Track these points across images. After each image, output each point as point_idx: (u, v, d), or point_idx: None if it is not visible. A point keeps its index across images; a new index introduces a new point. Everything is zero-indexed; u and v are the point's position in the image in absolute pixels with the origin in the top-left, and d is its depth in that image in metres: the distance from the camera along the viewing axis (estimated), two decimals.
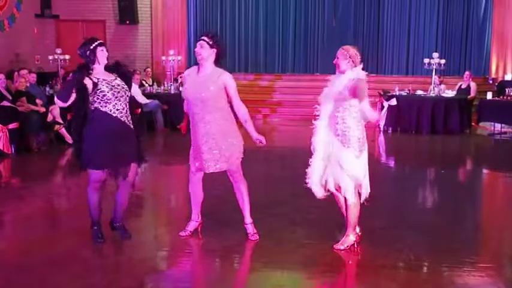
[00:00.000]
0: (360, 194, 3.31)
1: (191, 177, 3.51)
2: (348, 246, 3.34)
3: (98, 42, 3.35)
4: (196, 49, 3.33)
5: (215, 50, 3.32)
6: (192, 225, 3.61)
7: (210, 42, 3.30)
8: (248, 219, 3.55)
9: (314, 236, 3.63)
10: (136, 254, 3.32)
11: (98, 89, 3.25)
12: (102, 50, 3.33)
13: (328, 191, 3.32)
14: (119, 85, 3.34)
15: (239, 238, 3.52)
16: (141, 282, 2.99)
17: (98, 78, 3.28)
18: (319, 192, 3.33)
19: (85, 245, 3.45)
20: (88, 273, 3.08)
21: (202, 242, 3.55)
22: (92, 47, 3.31)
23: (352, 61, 3.22)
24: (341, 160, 3.20)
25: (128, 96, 3.37)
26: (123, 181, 3.39)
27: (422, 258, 3.31)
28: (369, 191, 3.33)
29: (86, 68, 3.29)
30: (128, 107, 3.37)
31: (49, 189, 5.08)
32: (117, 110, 3.28)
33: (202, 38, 3.33)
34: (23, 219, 4.10)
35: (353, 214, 3.30)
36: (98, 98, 3.25)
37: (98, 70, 3.34)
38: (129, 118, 3.38)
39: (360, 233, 3.37)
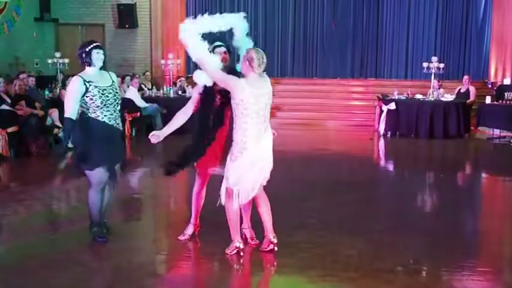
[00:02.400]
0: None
1: (200, 181, 3.50)
2: (231, 251, 3.27)
3: (94, 44, 3.38)
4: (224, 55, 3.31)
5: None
6: (190, 229, 3.61)
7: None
8: (247, 223, 3.55)
9: (313, 240, 3.63)
10: (135, 258, 3.31)
11: (87, 95, 3.29)
12: (98, 53, 3.35)
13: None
14: (110, 92, 3.36)
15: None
16: (140, 286, 2.98)
17: (90, 83, 3.31)
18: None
19: (84, 249, 3.44)
20: (87, 276, 3.07)
21: (201, 245, 3.55)
22: (87, 49, 3.34)
23: (250, 65, 3.15)
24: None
25: (118, 101, 3.40)
26: (109, 180, 3.48)
27: (421, 262, 3.31)
28: (245, 198, 3.20)
29: None
30: (117, 111, 3.41)
31: (48, 193, 5.07)
32: (105, 116, 3.33)
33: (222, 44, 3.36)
34: (22, 223, 4.10)
35: (228, 218, 3.25)
36: (86, 104, 3.30)
37: (92, 73, 3.37)
38: (118, 120, 3.43)
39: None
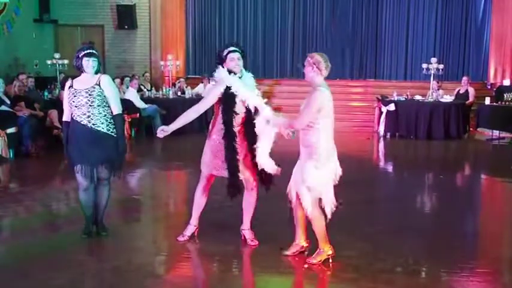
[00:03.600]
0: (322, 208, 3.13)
1: (203, 182, 3.49)
2: (320, 260, 3.18)
3: (86, 52, 3.45)
4: (235, 61, 3.32)
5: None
6: (190, 230, 3.60)
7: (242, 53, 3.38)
8: (246, 225, 3.55)
9: (313, 242, 3.62)
10: (135, 259, 3.31)
11: (69, 96, 3.46)
12: (88, 61, 3.43)
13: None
14: (82, 94, 3.40)
15: (238, 243, 3.52)
16: (139, 286, 2.97)
17: (71, 87, 3.46)
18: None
19: (83, 249, 3.44)
20: (87, 277, 3.07)
21: (201, 246, 3.55)
22: (79, 55, 3.45)
23: (317, 68, 3.08)
24: (303, 170, 3.11)
25: (96, 104, 3.41)
26: (98, 183, 3.53)
27: (421, 262, 3.31)
28: (332, 206, 3.13)
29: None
30: (96, 113, 3.41)
31: (47, 194, 5.07)
32: (78, 115, 3.43)
33: (236, 49, 3.35)
34: (21, 223, 4.09)
35: (316, 227, 3.16)
36: (70, 105, 3.46)
37: (82, 78, 3.48)
38: (96, 121, 3.42)
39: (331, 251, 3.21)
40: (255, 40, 12.45)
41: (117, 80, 9.50)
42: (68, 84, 3.51)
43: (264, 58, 12.41)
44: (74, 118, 3.45)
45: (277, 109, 3.41)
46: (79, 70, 3.49)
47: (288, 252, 3.32)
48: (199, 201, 3.54)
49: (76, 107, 3.42)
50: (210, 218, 3.75)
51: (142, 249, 3.55)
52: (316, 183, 3.07)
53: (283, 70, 12.51)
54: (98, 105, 3.43)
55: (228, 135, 3.28)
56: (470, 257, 3.50)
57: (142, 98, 9.17)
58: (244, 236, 3.54)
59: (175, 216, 4.53)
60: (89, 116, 3.42)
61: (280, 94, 11.44)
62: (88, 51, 3.45)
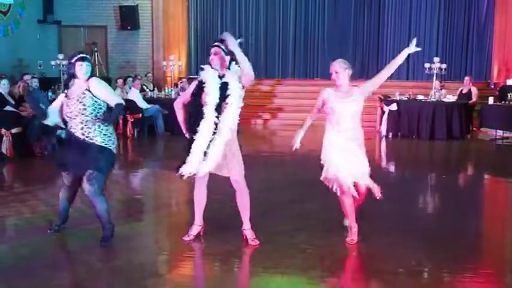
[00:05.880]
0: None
1: (197, 181, 3.51)
2: (354, 237, 3.56)
3: (79, 56, 3.40)
4: (211, 55, 3.37)
5: (229, 57, 3.40)
6: (195, 230, 3.62)
7: (226, 49, 3.37)
8: (247, 225, 3.56)
9: (314, 241, 3.63)
10: (137, 258, 3.33)
11: (63, 106, 3.41)
12: (81, 65, 3.36)
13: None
14: (75, 103, 3.34)
15: (239, 243, 3.53)
16: (141, 286, 2.99)
17: (66, 95, 3.40)
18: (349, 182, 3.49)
19: (86, 249, 3.46)
20: (89, 276, 3.09)
21: (203, 246, 3.56)
22: (72, 60, 3.39)
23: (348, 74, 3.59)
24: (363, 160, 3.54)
25: (82, 111, 3.32)
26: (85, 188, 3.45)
27: (423, 263, 3.31)
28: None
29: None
30: (89, 123, 3.33)
31: (51, 194, 5.09)
32: (73, 127, 3.37)
33: (217, 44, 3.39)
34: (25, 223, 4.12)
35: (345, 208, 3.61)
36: (65, 115, 3.41)
37: (75, 84, 3.40)
38: (90, 133, 3.34)
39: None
40: (256, 40, 12.45)
41: (120, 81, 9.55)
42: (64, 93, 3.46)
43: (266, 58, 12.40)
44: (69, 129, 3.41)
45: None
46: (72, 77, 3.41)
47: (353, 238, 3.55)
48: (199, 199, 3.55)
49: (71, 118, 3.36)
50: (211, 218, 3.76)
51: (144, 248, 3.56)
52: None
53: (284, 70, 12.51)
54: (91, 113, 3.34)
55: (193, 127, 3.32)
56: (473, 257, 3.49)
57: (145, 99, 9.20)
58: (246, 236, 3.55)
59: (177, 215, 4.54)
60: (82, 128, 3.34)
61: (282, 94, 11.45)
62: (81, 55, 3.41)
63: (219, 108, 3.30)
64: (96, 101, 3.37)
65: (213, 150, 3.29)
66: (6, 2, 10.02)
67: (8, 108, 6.73)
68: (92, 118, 3.34)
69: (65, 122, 3.47)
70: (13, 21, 10.27)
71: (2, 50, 9.92)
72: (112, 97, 3.45)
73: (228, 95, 3.30)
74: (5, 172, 6.20)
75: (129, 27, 11.47)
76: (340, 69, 3.57)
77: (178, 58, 11.54)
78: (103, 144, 3.37)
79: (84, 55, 3.44)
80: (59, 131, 5.53)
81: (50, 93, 8.73)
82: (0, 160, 6.39)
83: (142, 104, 8.89)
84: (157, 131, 8.87)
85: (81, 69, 3.37)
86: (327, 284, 3.08)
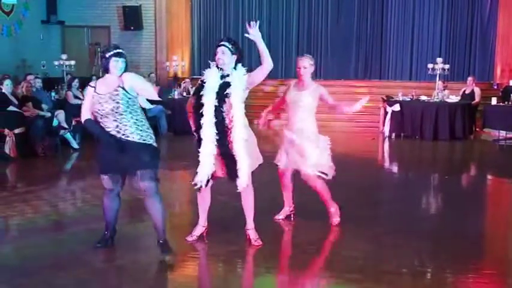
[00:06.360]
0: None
1: None
2: (337, 217, 3.90)
3: (114, 52, 3.19)
4: (218, 55, 3.33)
5: (235, 57, 3.38)
6: (198, 230, 3.62)
7: (232, 49, 3.35)
8: (250, 225, 3.56)
9: (317, 242, 3.63)
10: (140, 259, 3.33)
11: (94, 103, 3.17)
12: (117, 61, 3.17)
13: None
14: (108, 101, 3.10)
15: (243, 243, 3.53)
16: (145, 286, 3.00)
17: (95, 91, 3.17)
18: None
19: (89, 249, 3.46)
20: (92, 277, 3.09)
21: (206, 246, 3.56)
22: (107, 56, 3.19)
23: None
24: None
25: (115, 109, 3.11)
26: (144, 195, 3.31)
27: (426, 264, 3.30)
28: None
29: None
30: (124, 120, 3.13)
31: (54, 194, 5.11)
32: (106, 126, 3.14)
33: (223, 43, 3.35)
34: (28, 223, 4.13)
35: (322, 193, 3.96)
36: (96, 112, 3.18)
37: (107, 79, 3.22)
38: (126, 131, 3.13)
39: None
40: None
41: None
42: (91, 84, 3.23)
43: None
44: (104, 127, 3.16)
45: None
46: (105, 71, 3.23)
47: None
48: (204, 200, 3.56)
49: (102, 116, 3.12)
50: (215, 218, 3.77)
51: (147, 248, 3.56)
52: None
53: (288, 70, 12.50)
54: (125, 111, 3.11)
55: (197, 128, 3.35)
56: (476, 258, 3.48)
57: (148, 99, 9.21)
58: (249, 236, 3.55)
59: (180, 216, 4.55)
60: (117, 126, 3.12)
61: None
62: (117, 50, 3.20)
63: (218, 108, 3.29)
64: (129, 98, 3.15)
65: (242, 162, 3.31)
66: (9, 3, 10.06)
67: (11, 108, 6.76)
68: (125, 115, 3.12)
69: (95, 119, 3.20)
70: (16, 22, 10.31)
71: (5, 50, 9.95)
72: (149, 90, 3.27)
73: (228, 93, 3.29)
74: (8, 172, 6.22)
75: (132, 28, 11.50)
76: (308, 64, 3.79)
77: (182, 58, 11.56)
78: (141, 141, 3.15)
79: (119, 50, 3.22)
80: (61, 131, 5.55)
81: (53, 94, 8.77)
82: (3, 160, 6.41)
83: (145, 104, 8.89)
84: (160, 131, 8.89)
85: (117, 65, 3.15)
86: (330, 284, 3.08)
